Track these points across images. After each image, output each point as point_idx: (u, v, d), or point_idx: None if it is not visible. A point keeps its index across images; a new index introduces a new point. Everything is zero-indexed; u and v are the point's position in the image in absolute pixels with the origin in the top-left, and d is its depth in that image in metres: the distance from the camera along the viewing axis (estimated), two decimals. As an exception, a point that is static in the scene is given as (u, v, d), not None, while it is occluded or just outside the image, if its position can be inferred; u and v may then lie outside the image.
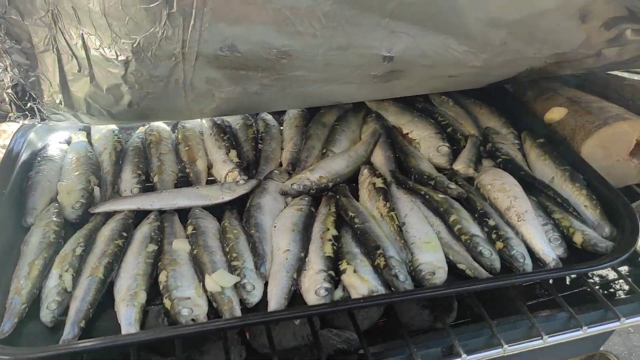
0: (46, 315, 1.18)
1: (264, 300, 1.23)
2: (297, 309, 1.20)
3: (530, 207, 1.40)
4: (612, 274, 1.72)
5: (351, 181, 1.62)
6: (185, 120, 1.80)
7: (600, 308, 1.33)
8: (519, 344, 1.23)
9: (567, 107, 1.70)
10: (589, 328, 1.27)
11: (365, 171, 1.61)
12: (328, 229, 1.37)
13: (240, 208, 1.49)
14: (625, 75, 1.88)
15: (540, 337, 1.23)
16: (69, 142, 1.77)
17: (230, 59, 1.26)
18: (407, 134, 1.77)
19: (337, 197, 1.51)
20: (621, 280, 1.68)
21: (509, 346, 1.21)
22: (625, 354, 1.84)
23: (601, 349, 1.88)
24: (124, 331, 1.15)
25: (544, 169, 1.56)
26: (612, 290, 1.71)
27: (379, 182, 1.50)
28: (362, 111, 1.91)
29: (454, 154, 1.69)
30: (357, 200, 1.52)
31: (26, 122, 1.45)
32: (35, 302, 1.21)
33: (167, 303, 1.20)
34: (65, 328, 1.15)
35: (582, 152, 1.57)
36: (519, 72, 1.56)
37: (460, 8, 1.26)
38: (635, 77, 1.86)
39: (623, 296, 1.62)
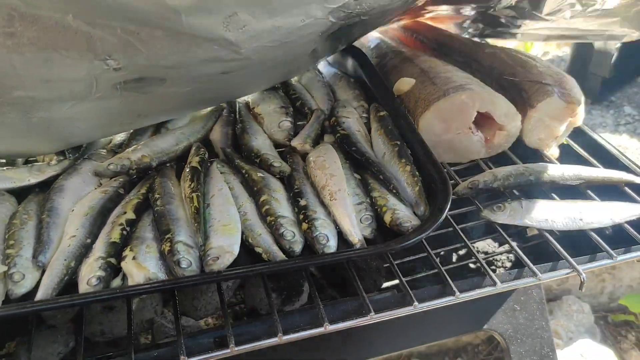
0: None
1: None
2: (59, 299, 1.10)
3: (344, 186, 1.31)
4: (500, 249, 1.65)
5: (183, 159, 1.52)
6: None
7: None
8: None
9: (417, 78, 1.60)
10: (461, 293, 1.20)
11: (192, 149, 1.50)
12: (125, 212, 1.28)
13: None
14: (490, 44, 1.78)
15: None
16: None
17: None
18: (254, 108, 1.67)
19: (155, 176, 1.42)
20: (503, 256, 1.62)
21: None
22: (511, 332, 1.77)
23: (485, 326, 1.82)
24: None
25: (379, 143, 1.46)
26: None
27: (194, 161, 1.40)
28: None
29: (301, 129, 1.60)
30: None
31: None
32: None
33: None
34: None
35: (420, 125, 1.48)
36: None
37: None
38: (500, 44, 1.76)
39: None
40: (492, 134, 1.51)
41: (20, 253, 1.18)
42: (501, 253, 1.62)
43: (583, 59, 2.68)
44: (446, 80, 1.52)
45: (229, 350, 1.08)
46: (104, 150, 1.53)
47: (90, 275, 1.13)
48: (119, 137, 1.58)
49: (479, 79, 1.60)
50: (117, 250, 1.19)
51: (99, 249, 1.19)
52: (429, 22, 1.97)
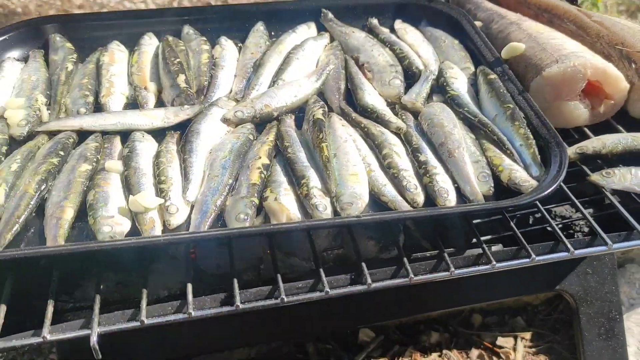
0: (-22, 224, 1.23)
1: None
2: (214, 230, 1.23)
3: (462, 143, 1.40)
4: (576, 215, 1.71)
5: (300, 110, 1.62)
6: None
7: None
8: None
9: (526, 43, 1.65)
10: (537, 257, 1.29)
11: (310, 101, 1.60)
12: (260, 157, 1.39)
13: (184, 129, 1.51)
14: (596, 13, 1.81)
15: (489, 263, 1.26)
16: (26, 60, 1.78)
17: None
18: (363, 64, 1.75)
19: (278, 125, 1.52)
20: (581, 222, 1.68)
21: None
22: (582, 293, 1.87)
23: (557, 287, 1.92)
24: (49, 244, 1.20)
25: (490, 106, 1.54)
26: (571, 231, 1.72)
27: (318, 114, 1.49)
28: (323, 39, 1.88)
29: (409, 87, 1.68)
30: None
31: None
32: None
33: (90, 221, 1.24)
34: (-5, 238, 1.20)
35: (531, 90, 1.55)
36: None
37: None
38: (604, 16, 1.79)
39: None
40: (599, 102, 1.57)
41: (172, 189, 1.31)
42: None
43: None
44: (557, 47, 1.58)
45: (323, 293, 1.19)
46: (226, 98, 1.63)
47: (238, 212, 1.26)
48: (238, 87, 1.68)
49: (587, 45, 1.65)
50: (258, 191, 1.31)
51: (242, 189, 1.31)
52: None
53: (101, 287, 1.20)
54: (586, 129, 1.59)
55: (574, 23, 1.77)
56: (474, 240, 1.33)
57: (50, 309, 1.14)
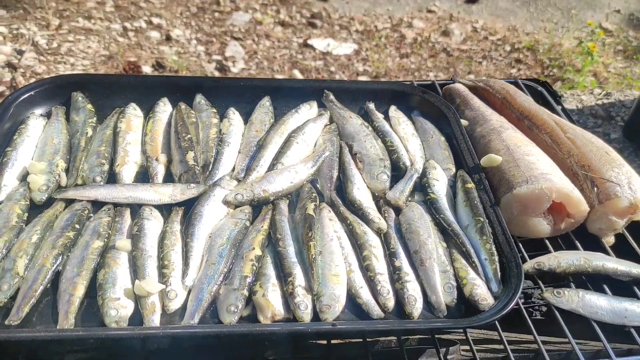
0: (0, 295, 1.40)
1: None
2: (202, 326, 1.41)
3: (434, 255, 1.58)
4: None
5: (295, 194, 1.79)
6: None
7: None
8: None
9: (502, 155, 1.83)
10: None
11: (305, 190, 1.77)
12: (253, 248, 1.56)
13: (189, 205, 1.69)
14: (571, 127, 1.99)
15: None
16: (48, 116, 1.93)
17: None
18: (356, 154, 1.92)
19: (273, 213, 1.70)
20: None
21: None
22: None
23: None
24: (60, 321, 1.37)
25: (464, 214, 1.72)
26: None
27: (310, 208, 1.67)
28: (323, 120, 2.04)
29: (396, 179, 1.85)
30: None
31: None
32: (-9, 280, 1.43)
33: (99, 301, 1.41)
34: (12, 311, 1.37)
35: (501, 204, 1.73)
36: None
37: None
38: (579, 131, 1.97)
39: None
40: (561, 219, 1.75)
41: (173, 274, 1.49)
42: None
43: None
44: (530, 166, 1.76)
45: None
46: (228, 177, 1.80)
47: (229, 304, 1.43)
48: (240, 165, 1.85)
49: (557, 160, 1.83)
50: (249, 283, 1.48)
51: (235, 280, 1.48)
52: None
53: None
54: (546, 240, 1.77)
55: (549, 136, 1.95)
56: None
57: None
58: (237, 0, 6.29)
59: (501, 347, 1.50)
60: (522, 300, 1.59)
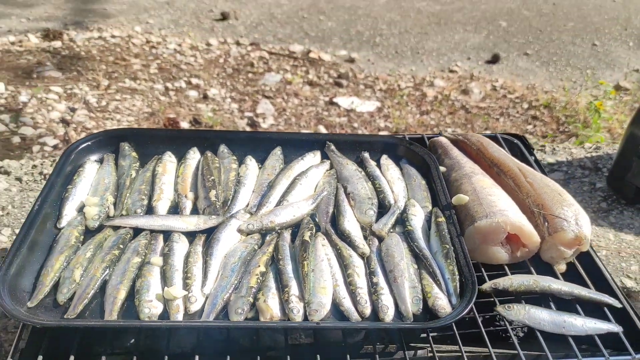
0: (60, 296, 1.81)
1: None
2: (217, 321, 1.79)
3: (405, 274, 1.94)
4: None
5: (297, 226, 2.19)
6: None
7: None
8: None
9: (470, 196, 2.20)
10: None
11: (304, 221, 2.17)
12: (259, 266, 1.95)
13: (210, 232, 2.10)
14: (531, 173, 2.35)
15: None
16: (101, 161, 2.40)
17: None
18: (349, 193, 2.32)
19: (278, 239, 2.09)
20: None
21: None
22: None
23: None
24: (105, 316, 1.77)
25: (434, 242, 2.08)
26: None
27: (306, 235, 2.06)
28: (324, 166, 2.46)
29: (381, 214, 2.24)
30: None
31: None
32: (54, 286, 1.85)
33: (136, 302, 1.81)
34: (69, 308, 1.78)
35: (465, 235, 2.09)
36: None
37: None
38: (539, 176, 2.32)
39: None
40: (517, 248, 2.09)
41: (194, 284, 1.88)
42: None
43: (624, 167, 3.18)
44: (490, 204, 2.12)
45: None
46: (243, 211, 2.21)
47: (237, 307, 1.81)
48: (253, 202, 2.26)
49: (518, 200, 2.19)
50: (254, 292, 1.86)
51: (243, 289, 1.87)
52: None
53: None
54: (505, 266, 2.11)
55: (513, 180, 2.32)
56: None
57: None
58: (269, 62, 6.87)
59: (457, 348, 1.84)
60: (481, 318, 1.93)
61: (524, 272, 2.09)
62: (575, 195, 3.21)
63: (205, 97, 5.90)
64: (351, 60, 7.08)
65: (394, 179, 2.41)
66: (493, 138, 2.75)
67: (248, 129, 5.41)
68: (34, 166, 3.18)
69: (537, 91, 6.63)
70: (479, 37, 7.95)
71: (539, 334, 1.86)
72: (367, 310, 1.86)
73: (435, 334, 1.91)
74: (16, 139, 4.72)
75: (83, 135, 4.78)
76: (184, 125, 5.12)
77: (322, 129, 5.57)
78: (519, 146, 2.77)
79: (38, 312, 1.78)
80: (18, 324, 1.91)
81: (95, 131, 4.49)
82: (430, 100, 6.34)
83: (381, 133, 5.57)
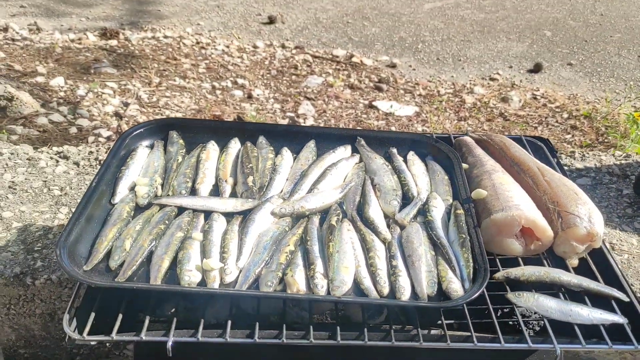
0: (112, 263, 2.05)
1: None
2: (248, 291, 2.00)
3: (422, 258, 2.10)
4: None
5: (325, 212, 2.38)
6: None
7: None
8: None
9: (488, 190, 2.34)
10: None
11: (332, 208, 2.36)
12: (289, 245, 2.15)
13: (246, 214, 2.31)
14: (549, 172, 2.47)
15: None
16: (152, 147, 2.64)
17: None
18: (376, 185, 2.49)
19: (307, 223, 2.28)
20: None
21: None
22: None
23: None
24: (151, 281, 2.00)
25: (452, 232, 2.23)
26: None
27: (333, 220, 2.24)
28: (354, 160, 2.64)
29: (404, 206, 2.40)
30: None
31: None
32: (107, 254, 2.09)
33: (178, 270, 2.03)
34: (119, 273, 2.01)
35: (482, 226, 2.23)
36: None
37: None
38: (557, 176, 2.45)
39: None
40: (531, 242, 2.22)
41: (230, 258, 2.09)
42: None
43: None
44: (507, 199, 2.26)
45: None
46: (277, 196, 2.41)
47: (267, 280, 2.01)
48: (287, 189, 2.46)
49: (535, 197, 2.32)
50: (282, 268, 2.06)
51: (273, 265, 2.07)
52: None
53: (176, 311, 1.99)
54: (519, 259, 2.25)
55: (532, 179, 2.45)
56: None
57: (146, 322, 1.92)
58: (312, 65, 7.08)
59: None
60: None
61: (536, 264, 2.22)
62: (601, 200, 3.32)
63: (250, 96, 6.15)
64: (393, 66, 7.23)
65: (419, 174, 2.57)
66: (517, 140, 2.88)
67: (290, 127, 5.61)
68: (90, 152, 3.46)
69: (578, 101, 6.62)
70: (522, 46, 7.99)
71: (546, 322, 1.99)
72: (385, 290, 2.03)
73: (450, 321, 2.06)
74: (73, 130, 5.06)
75: (142, 121, 5.08)
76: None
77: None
78: (542, 149, 2.88)
79: (92, 275, 2.01)
80: (73, 288, 2.15)
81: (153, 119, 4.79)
82: (468, 106, 6.42)
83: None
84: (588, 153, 3.86)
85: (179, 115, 5.50)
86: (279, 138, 2.74)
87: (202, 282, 2.02)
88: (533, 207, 2.27)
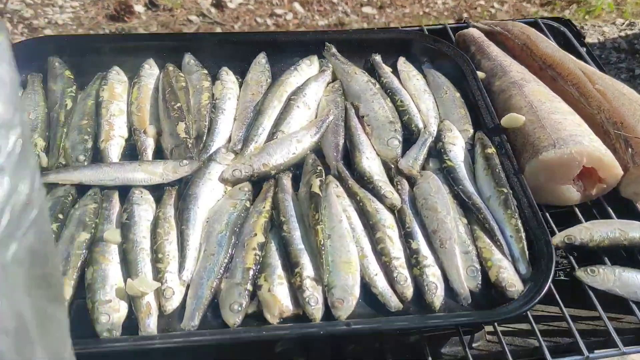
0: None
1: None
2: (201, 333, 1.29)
3: (454, 234, 1.43)
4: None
5: (298, 166, 1.64)
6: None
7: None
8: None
9: (525, 114, 1.65)
10: None
11: (309, 162, 1.62)
12: (255, 234, 1.42)
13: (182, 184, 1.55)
14: (600, 76, 1.79)
15: None
16: (24, 86, 1.75)
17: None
18: (363, 117, 1.75)
19: (275, 190, 1.55)
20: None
21: None
22: None
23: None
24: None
25: (485, 185, 1.56)
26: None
27: (315, 185, 1.51)
28: (325, 77, 1.86)
29: (408, 144, 1.69)
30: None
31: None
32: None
33: (89, 305, 1.28)
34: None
35: (526, 171, 1.57)
36: None
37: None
38: (609, 81, 1.77)
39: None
40: (592, 184, 1.59)
41: (169, 269, 1.35)
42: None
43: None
44: (556, 127, 1.58)
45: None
46: (224, 149, 1.64)
47: (232, 302, 1.30)
48: (237, 135, 1.68)
49: (585, 116, 1.66)
50: (252, 276, 1.35)
51: (237, 272, 1.35)
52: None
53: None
54: (576, 208, 1.62)
55: (576, 88, 1.76)
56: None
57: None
58: None
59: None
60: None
61: (598, 217, 1.61)
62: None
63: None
64: None
65: (419, 92, 1.83)
66: (532, 24, 2.15)
67: (213, 10, 4.62)
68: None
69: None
70: None
71: (635, 308, 1.42)
72: (409, 292, 1.37)
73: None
74: None
75: (21, 28, 3.96)
76: (138, 9, 4.29)
77: (298, 7, 4.81)
78: (564, 34, 2.18)
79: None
80: None
81: (35, 22, 3.71)
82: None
83: (365, 8, 4.87)
84: (587, 24, 3.19)
85: (75, 4, 4.33)
86: (212, 54, 1.89)
87: (131, 317, 1.29)
88: (592, 136, 1.60)
